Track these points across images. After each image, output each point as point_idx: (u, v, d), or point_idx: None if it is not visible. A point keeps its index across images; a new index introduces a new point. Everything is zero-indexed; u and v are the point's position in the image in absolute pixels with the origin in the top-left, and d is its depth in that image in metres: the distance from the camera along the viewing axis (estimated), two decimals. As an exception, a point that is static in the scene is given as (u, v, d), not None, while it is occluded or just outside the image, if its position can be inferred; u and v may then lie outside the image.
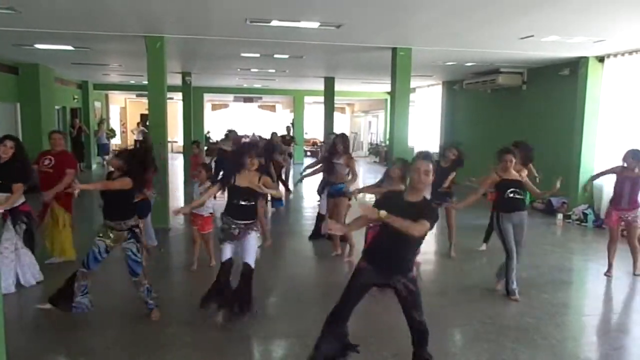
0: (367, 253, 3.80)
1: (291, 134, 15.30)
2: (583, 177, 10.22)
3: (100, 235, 4.67)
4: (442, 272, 6.96)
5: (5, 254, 5.49)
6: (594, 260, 7.37)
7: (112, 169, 4.93)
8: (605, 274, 6.50)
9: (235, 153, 5.04)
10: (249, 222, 4.83)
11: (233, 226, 4.79)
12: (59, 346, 4.47)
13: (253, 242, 4.85)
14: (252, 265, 4.80)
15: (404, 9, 6.48)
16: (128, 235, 4.69)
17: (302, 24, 7.21)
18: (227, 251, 4.83)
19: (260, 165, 5.53)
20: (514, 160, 5.70)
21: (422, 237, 3.54)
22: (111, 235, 4.66)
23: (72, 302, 4.68)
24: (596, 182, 9.98)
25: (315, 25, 7.24)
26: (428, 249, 8.00)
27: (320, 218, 7.92)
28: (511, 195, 5.56)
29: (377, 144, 24.44)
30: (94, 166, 18.10)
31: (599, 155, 10.03)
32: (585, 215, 9.77)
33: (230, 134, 11.77)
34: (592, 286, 6.57)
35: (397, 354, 4.26)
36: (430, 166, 3.57)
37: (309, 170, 8.15)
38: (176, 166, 16.10)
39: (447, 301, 5.61)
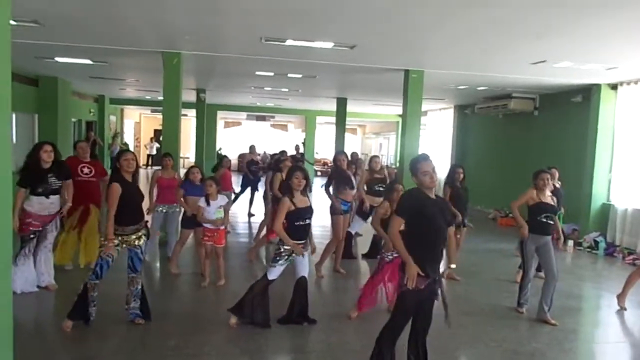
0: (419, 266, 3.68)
1: (301, 151, 15.36)
2: (595, 204, 10.17)
3: (111, 245, 4.68)
4: (448, 293, 6.87)
5: (44, 251, 5.75)
6: (604, 289, 7.28)
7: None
8: (619, 305, 6.36)
9: (287, 176, 5.13)
10: (306, 241, 5.12)
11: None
12: (63, 351, 4.48)
13: (307, 257, 5.17)
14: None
15: (417, 31, 6.57)
16: (144, 232, 4.84)
17: (317, 44, 7.32)
18: (280, 272, 4.99)
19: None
20: (550, 181, 5.79)
21: None
22: (119, 239, 4.70)
23: (88, 313, 4.73)
24: (610, 209, 9.94)
25: (329, 45, 7.35)
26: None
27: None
28: (544, 220, 5.66)
29: (387, 166, 24.41)
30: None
31: (615, 183, 9.97)
32: (596, 242, 9.67)
33: (252, 148, 12.94)
34: (602, 314, 6.47)
35: None
36: (433, 165, 3.75)
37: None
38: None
39: (453, 322, 5.54)
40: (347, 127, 17.25)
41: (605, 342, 5.55)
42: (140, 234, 4.83)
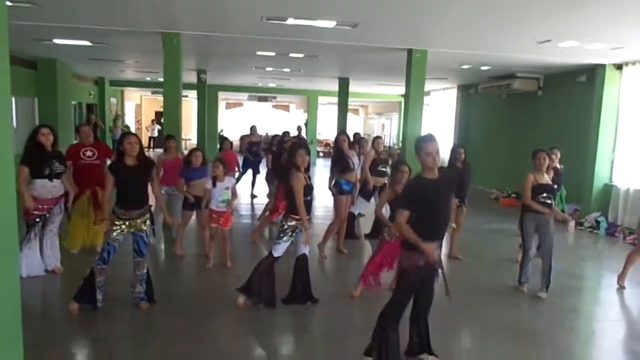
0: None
1: (302, 134, 15.27)
2: (597, 184, 10.16)
3: (117, 229, 4.70)
4: (450, 273, 6.88)
5: (50, 235, 5.79)
6: (605, 268, 7.32)
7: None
8: (618, 284, 6.41)
9: (291, 153, 5.14)
10: (310, 216, 5.13)
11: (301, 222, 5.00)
12: (71, 333, 4.53)
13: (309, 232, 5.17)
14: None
15: (420, 10, 6.48)
16: (148, 217, 4.84)
17: (318, 23, 7.24)
18: (285, 248, 5.03)
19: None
20: (547, 160, 5.81)
21: None
22: (126, 224, 4.72)
23: (96, 298, 4.77)
24: (612, 189, 9.94)
25: (331, 24, 7.27)
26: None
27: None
28: (542, 200, 5.70)
29: (390, 147, 24.40)
30: (108, 162, 18.27)
31: (618, 163, 9.95)
32: (597, 222, 9.69)
33: (253, 129, 12.74)
34: (602, 293, 6.51)
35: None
36: (438, 145, 3.75)
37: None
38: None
39: (454, 302, 5.58)
40: (349, 107, 17.18)
41: (605, 320, 5.59)
42: (145, 217, 4.82)
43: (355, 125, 26.46)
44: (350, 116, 18.76)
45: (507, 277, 6.47)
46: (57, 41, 9.80)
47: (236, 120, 27.09)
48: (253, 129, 12.86)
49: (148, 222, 4.86)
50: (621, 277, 6.37)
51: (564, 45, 8.10)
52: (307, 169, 5.06)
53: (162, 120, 10.33)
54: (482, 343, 4.65)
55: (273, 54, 10.78)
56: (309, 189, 4.99)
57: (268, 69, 14.05)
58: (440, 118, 17.66)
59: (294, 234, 5.00)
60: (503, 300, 5.74)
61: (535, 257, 6.21)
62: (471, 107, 16.10)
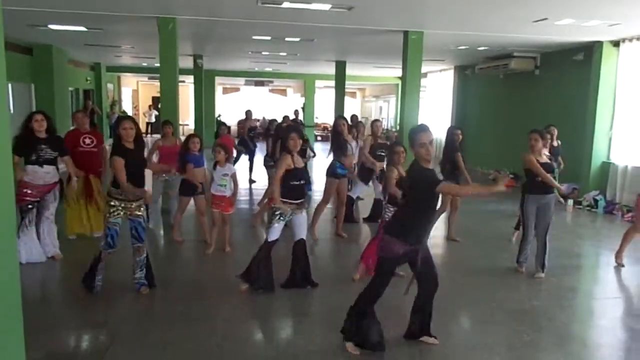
0: (404, 235, 3.76)
1: (300, 117, 15.17)
2: (595, 163, 10.18)
3: (114, 213, 4.72)
4: (449, 255, 6.98)
5: (47, 222, 5.80)
6: (603, 246, 7.36)
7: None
8: (617, 262, 6.44)
9: (284, 137, 5.14)
10: (303, 200, 5.14)
11: (293, 206, 5.02)
12: (74, 318, 4.57)
13: (305, 219, 5.22)
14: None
15: (416, -10, 6.43)
16: (143, 202, 4.85)
17: (314, 6, 7.18)
18: (279, 232, 5.06)
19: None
20: (539, 140, 5.76)
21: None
22: (122, 206, 4.73)
23: (94, 282, 4.84)
24: (610, 167, 9.96)
25: (326, 7, 7.21)
26: (435, 232, 8.03)
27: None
28: (540, 179, 5.65)
29: (387, 129, 24.35)
30: (107, 147, 18.26)
31: (616, 141, 9.95)
32: (596, 201, 9.73)
33: (249, 113, 12.64)
34: (601, 271, 6.56)
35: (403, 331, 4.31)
36: (432, 136, 3.73)
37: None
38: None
39: (453, 284, 5.63)
40: (346, 90, 17.11)
41: (604, 297, 5.65)
42: (140, 202, 4.84)
43: (352, 108, 26.38)
44: (347, 99, 18.71)
45: (505, 259, 6.51)
46: (52, 27, 9.73)
47: (233, 105, 26.94)
48: (248, 113, 12.72)
49: (143, 207, 4.87)
50: (618, 254, 6.40)
51: (561, 23, 8.05)
52: (304, 153, 5.07)
53: (159, 106, 10.29)
54: (481, 325, 4.69)
55: (269, 38, 10.72)
56: (296, 173, 4.97)
57: (264, 53, 13.97)
58: (438, 100, 17.60)
59: (282, 217, 5.00)
60: (501, 281, 5.78)
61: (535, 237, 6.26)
62: (468, 88, 16.05)
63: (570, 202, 9.87)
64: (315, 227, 7.25)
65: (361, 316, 3.87)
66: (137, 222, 4.85)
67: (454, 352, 4.10)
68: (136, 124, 4.85)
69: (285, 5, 7.12)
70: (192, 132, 8.53)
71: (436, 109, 17.57)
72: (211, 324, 4.46)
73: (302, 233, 5.15)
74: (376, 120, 8.25)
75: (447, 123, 16.38)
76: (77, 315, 4.64)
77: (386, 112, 25.96)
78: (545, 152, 6.16)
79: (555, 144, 7.77)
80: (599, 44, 9.82)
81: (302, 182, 5.05)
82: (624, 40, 9.54)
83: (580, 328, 4.77)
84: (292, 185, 4.99)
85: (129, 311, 4.73)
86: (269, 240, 5.04)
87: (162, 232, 7.48)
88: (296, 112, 15.26)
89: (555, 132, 7.68)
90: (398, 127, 13.70)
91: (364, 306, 3.87)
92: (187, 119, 22.74)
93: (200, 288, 5.28)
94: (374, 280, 3.89)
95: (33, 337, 2.90)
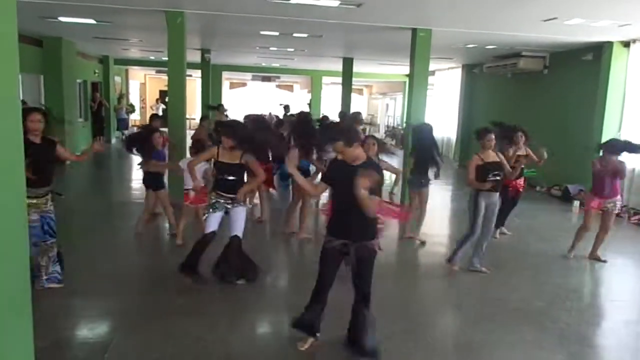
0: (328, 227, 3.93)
1: (290, 112, 14.14)
2: (602, 164, 10.10)
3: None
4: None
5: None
6: (607, 248, 7.31)
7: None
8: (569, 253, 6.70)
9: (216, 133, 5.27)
10: (234, 196, 5.02)
11: (221, 200, 5.02)
12: (77, 309, 4.62)
13: (242, 215, 5.10)
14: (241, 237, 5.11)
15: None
16: (50, 197, 4.74)
17: (322, 2, 7.18)
18: (214, 224, 5.03)
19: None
20: (493, 140, 5.81)
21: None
22: (31, 205, 4.40)
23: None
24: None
25: (335, 3, 7.21)
26: (440, 231, 8.04)
27: None
28: (491, 178, 5.69)
29: (394, 127, 24.34)
30: (113, 140, 18.34)
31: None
32: (602, 203, 9.66)
33: (221, 107, 13.01)
34: (604, 273, 6.54)
35: (407, 330, 4.34)
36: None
37: None
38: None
39: (456, 283, 5.65)
40: (353, 87, 17.09)
41: (609, 300, 5.65)
42: (48, 197, 4.72)
43: (359, 105, 26.34)
44: (354, 96, 18.68)
45: (505, 258, 6.50)
46: (62, 19, 9.78)
47: (240, 100, 26.98)
48: (221, 107, 13.00)
49: (50, 202, 4.73)
50: (591, 254, 6.72)
51: (571, 22, 8.00)
52: (258, 149, 5.13)
53: (166, 100, 10.34)
54: (481, 322, 4.68)
55: (277, 33, 10.71)
56: (226, 168, 4.97)
57: (272, 48, 13.96)
58: (445, 98, 17.55)
59: (213, 209, 5.01)
60: (505, 282, 5.78)
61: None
62: (476, 86, 15.98)
63: (577, 203, 9.82)
64: (289, 226, 7.16)
65: (308, 307, 3.90)
66: (49, 217, 4.73)
67: (454, 350, 4.12)
68: (46, 118, 4.66)
69: (294, 0, 7.13)
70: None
71: (444, 107, 17.52)
72: (210, 315, 4.49)
73: (236, 229, 5.05)
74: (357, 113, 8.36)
75: (454, 122, 16.38)
76: (82, 305, 4.68)
77: (393, 110, 25.92)
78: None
79: (522, 153, 7.41)
80: (609, 44, 9.75)
81: (229, 177, 4.99)
82: (634, 40, 9.47)
83: (584, 329, 4.73)
84: (218, 179, 5.07)
85: (133, 302, 4.76)
86: (205, 232, 5.05)
87: (166, 224, 7.51)
88: (286, 107, 15.06)
89: (523, 139, 7.35)
90: (405, 125, 13.68)
91: (312, 296, 3.90)
92: (193, 113, 22.80)
93: (161, 280, 5.27)
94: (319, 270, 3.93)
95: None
